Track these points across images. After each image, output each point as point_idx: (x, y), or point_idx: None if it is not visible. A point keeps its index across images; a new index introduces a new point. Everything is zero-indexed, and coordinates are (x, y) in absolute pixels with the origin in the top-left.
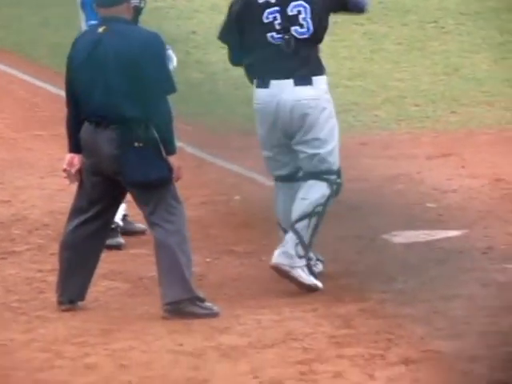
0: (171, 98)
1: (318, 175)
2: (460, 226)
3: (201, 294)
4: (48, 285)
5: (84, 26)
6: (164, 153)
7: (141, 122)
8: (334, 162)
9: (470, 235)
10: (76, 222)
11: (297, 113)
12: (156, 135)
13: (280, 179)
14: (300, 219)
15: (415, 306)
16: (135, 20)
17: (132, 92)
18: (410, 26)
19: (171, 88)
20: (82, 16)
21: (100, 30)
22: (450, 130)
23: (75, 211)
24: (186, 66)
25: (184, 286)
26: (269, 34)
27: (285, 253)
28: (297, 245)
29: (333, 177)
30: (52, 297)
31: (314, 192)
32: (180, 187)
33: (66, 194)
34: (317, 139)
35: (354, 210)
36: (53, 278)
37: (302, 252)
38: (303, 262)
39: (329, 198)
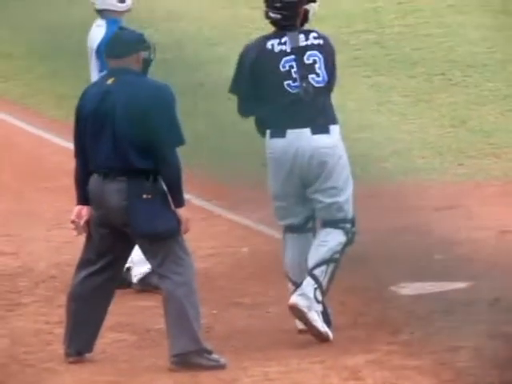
0: (179, 150)
1: (334, 223)
2: (467, 278)
3: (208, 346)
4: (55, 337)
5: (96, 76)
6: (172, 205)
7: (149, 173)
8: (350, 210)
9: (477, 287)
10: (84, 273)
11: (316, 161)
12: (164, 187)
13: (289, 229)
14: (318, 265)
15: (422, 358)
16: (145, 72)
17: (140, 143)
18: (417, 78)
19: (180, 140)
20: (94, 65)
21: (109, 81)
22: (457, 181)
23: (83, 263)
24: (194, 118)
25: (192, 337)
26: (286, 83)
27: (303, 295)
28: (315, 289)
29: (348, 225)
30: (59, 349)
31: (331, 239)
32: (188, 239)
33: (72, 246)
34: (334, 188)
35: (362, 261)
36: (60, 330)
37: (319, 297)
38: (320, 307)
39: (344, 246)
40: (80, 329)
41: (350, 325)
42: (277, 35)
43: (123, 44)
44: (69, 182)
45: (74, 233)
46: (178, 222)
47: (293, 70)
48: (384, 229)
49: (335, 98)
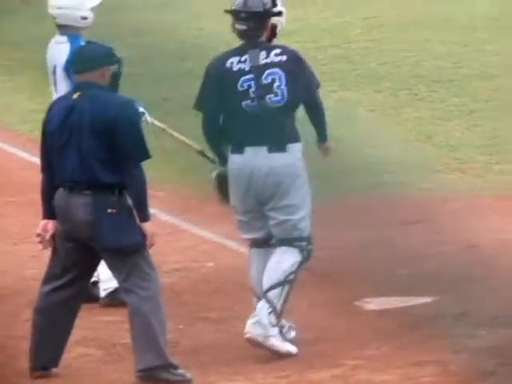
0: (145, 165)
1: (289, 242)
2: (433, 293)
3: (174, 360)
4: (21, 352)
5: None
6: (138, 219)
7: (115, 187)
8: (305, 228)
9: (443, 302)
10: (49, 288)
11: (270, 180)
12: (130, 201)
13: (254, 244)
14: (272, 287)
15: (388, 373)
16: (114, 86)
17: (106, 158)
18: (383, 92)
19: (145, 155)
20: (60, 82)
21: (75, 95)
22: (424, 196)
23: (49, 277)
24: (159, 133)
25: (158, 352)
26: (244, 102)
27: (258, 323)
28: (270, 313)
29: (304, 243)
30: (25, 364)
31: (285, 260)
32: (153, 254)
33: (38, 260)
34: (289, 206)
35: (327, 276)
36: (26, 345)
37: (274, 320)
38: (276, 330)
39: (300, 264)
40: (46, 343)
41: (315, 340)
42: (238, 52)
43: (88, 58)
44: (35, 196)
45: (40, 247)
46: (144, 236)
47: (251, 90)
48: (350, 243)
49: (301, 112)
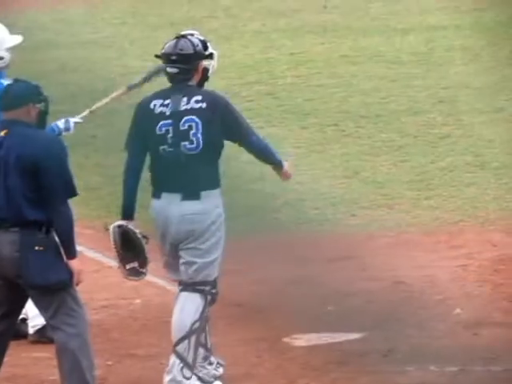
0: (72, 202)
1: (192, 285)
2: (361, 329)
3: None
4: None
5: None
6: (64, 256)
7: (42, 225)
8: (211, 273)
9: (371, 338)
10: None
11: (183, 227)
12: (57, 239)
13: (180, 284)
14: (179, 342)
15: None
16: (41, 124)
17: (33, 195)
18: (310, 128)
19: (72, 192)
20: None
21: (1, 133)
22: (350, 232)
23: None
24: (86, 170)
25: None
26: (161, 147)
27: (173, 380)
28: (182, 368)
29: (207, 287)
30: None
31: (188, 308)
32: (81, 291)
33: None
34: (198, 249)
35: (255, 313)
36: None
37: (188, 373)
38: (193, 381)
39: (203, 309)
40: None
41: (243, 376)
42: (163, 95)
43: (15, 96)
44: None
45: None
46: (71, 273)
47: (168, 135)
48: (277, 280)
49: (228, 149)
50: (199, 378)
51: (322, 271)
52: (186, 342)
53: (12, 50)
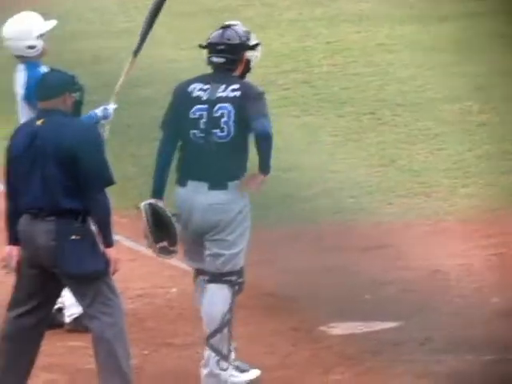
0: (109, 190)
1: (219, 277)
2: (397, 318)
3: None
4: None
5: (24, 119)
6: (101, 245)
7: (78, 214)
8: (237, 263)
9: (407, 327)
10: (14, 314)
11: (208, 217)
12: (93, 228)
13: (198, 272)
14: (212, 335)
15: None
16: (76, 113)
17: (69, 184)
18: (346, 117)
19: (109, 180)
20: (20, 109)
21: (38, 122)
22: (387, 221)
23: (13, 304)
24: (121, 159)
25: (122, 378)
26: (192, 131)
27: (210, 373)
28: (218, 361)
29: (234, 277)
30: None
31: (217, 300)
32: (117, 280)
33: (3, 286)
34: (224, 240)
35: (291, 302)
36: None
37: (225, 365)
38: (230, 371)
39: (232, 300)
40: (11, 369)
41: (279, 365)
42: (203, 80)
43: (51, 86)
44: (0, 223)
45: (4, 272)
46: (107, 262)
47: (201, 121)
48: (313, 269)
49: None
50: (236, 368)
51: (358, 260)
52: (219, 335)
53: (47, 38)
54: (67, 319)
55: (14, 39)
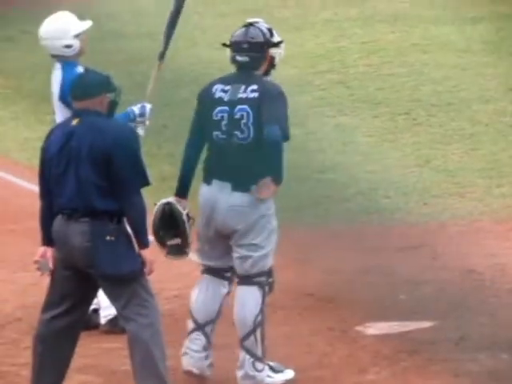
0: (144, 191)
1: (248, 278)
2: (432, 318)
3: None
4: (22, 379)
5: (60, 118)
6: (136, 246)
7: (113, 215)
8: (266, 264)
9: (442, 326)
10: (49, 315)
11: (230, 217)
12: (128, 228)
13: (208, 271)
14: (246, 337)
15: None
16: (111, 114)
17: (104, 185)
18: (381, 117)
19: (145, 181)
20: (56, 108)
21: (74, 122)
22: (422, 221)
23: (48, 305)
24: (158, 159)
25: (158, 379)
26: (215, 133)
27: (246, 375)
28: (253, 363)
29: (263, 278)
30: None
31: (248, 303)
32: (152, 281)
33: (38, 288)
34: (252, 244)
35: (327, 302)
36: (26, 372)
37: (260, 366)
38: (265, 372)
39: (263, 301)
40: (46, 371)
41: (315, 365)
42: (225, 81)
43: (88, 86)
44: (33, 224)
45: (38, 273)
46: (142, 263)
47: (223, 122)
48: (349, 269)
49: (299, 139)
50: (271, 368)
51: (394, 260)
52: (252, 337)
53: (84, 38)
54: (102, 320)
55: (51, 38)
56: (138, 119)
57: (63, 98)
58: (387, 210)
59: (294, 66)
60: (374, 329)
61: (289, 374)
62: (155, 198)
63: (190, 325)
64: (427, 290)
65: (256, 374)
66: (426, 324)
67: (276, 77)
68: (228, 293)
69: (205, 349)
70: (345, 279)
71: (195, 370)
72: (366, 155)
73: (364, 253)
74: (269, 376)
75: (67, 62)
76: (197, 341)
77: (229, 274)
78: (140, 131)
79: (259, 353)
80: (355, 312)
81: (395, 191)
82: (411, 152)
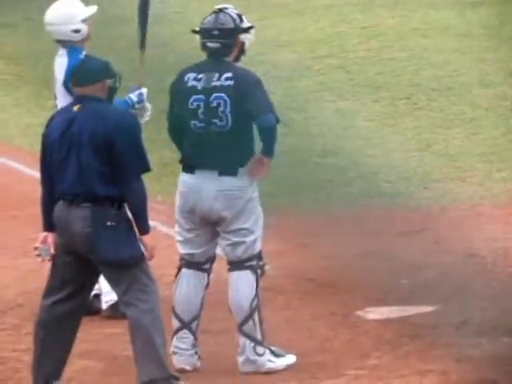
0: (145, 177)
1: (240, 263)
2: (434, 302)
3: (175, 372)
4: (23, 364)
5: (63, 104)
6: (137, 232)
7: (114, 200)
8: (255, 247)
9: (444, 311)
10: (50, 301)
11: (219, 203)
12: (129, 214)
13: (186, 265)
14: (243, 323)
15: (390, 382)
16: (110, 100)
17: (105, 171)
18: (382, 102)
19: (146, 167)
20: (59, 94)
21: (75, 108)
22: (423, 205)
23: (49, 291)
24: (158, 145)
25: (159, 364)
26: (192, 122)
27: (247, 360)
28: (254, 347)
29: (254, 262)
30: (27, 376)
31: (242, 288)
32: (153, 266)
33: (39, 274)
34: (242, 229)
35: (328, 287)
36: (28, 358)
37: (261, 350)
38: (266, 356)
39: (257, 285)
40: (47, 357)
41: (317, 350)
42: (197, 69)
43: (88, 72)
44: (35, 210)
45: (39, 259)
46: (143, 249)
47: (199, 111)
48: (349, 254)
49: (297, 123)
50: (272, 353)
51: (395, 244)
52: (251, 322)
53: (90, 23)
54: (104, 305)
55: (59, 24)
56: (137, 106)
57: (68, 84)
58: (388, 194)
59: (293, 50)
60: (376, 313)
61: (290, 358)
62: (155, 184)
63: (176, 323)
64: (429, 275)
65: (257, 358)
66: (428, 308)
67: (276, 61)
68: (207, 285)
69: (193, 346)
70: (346, 264)
71: (188, 367)
72: (366, 140)
73: (365, 237)
74: (270, 361)
75: (73, 48)
76: (184, 339)
77: (207, 266)
78: (141, 118)
79: (259, 336)
80: (356, 297)
81: (396, 175)
82: (412, 136)
